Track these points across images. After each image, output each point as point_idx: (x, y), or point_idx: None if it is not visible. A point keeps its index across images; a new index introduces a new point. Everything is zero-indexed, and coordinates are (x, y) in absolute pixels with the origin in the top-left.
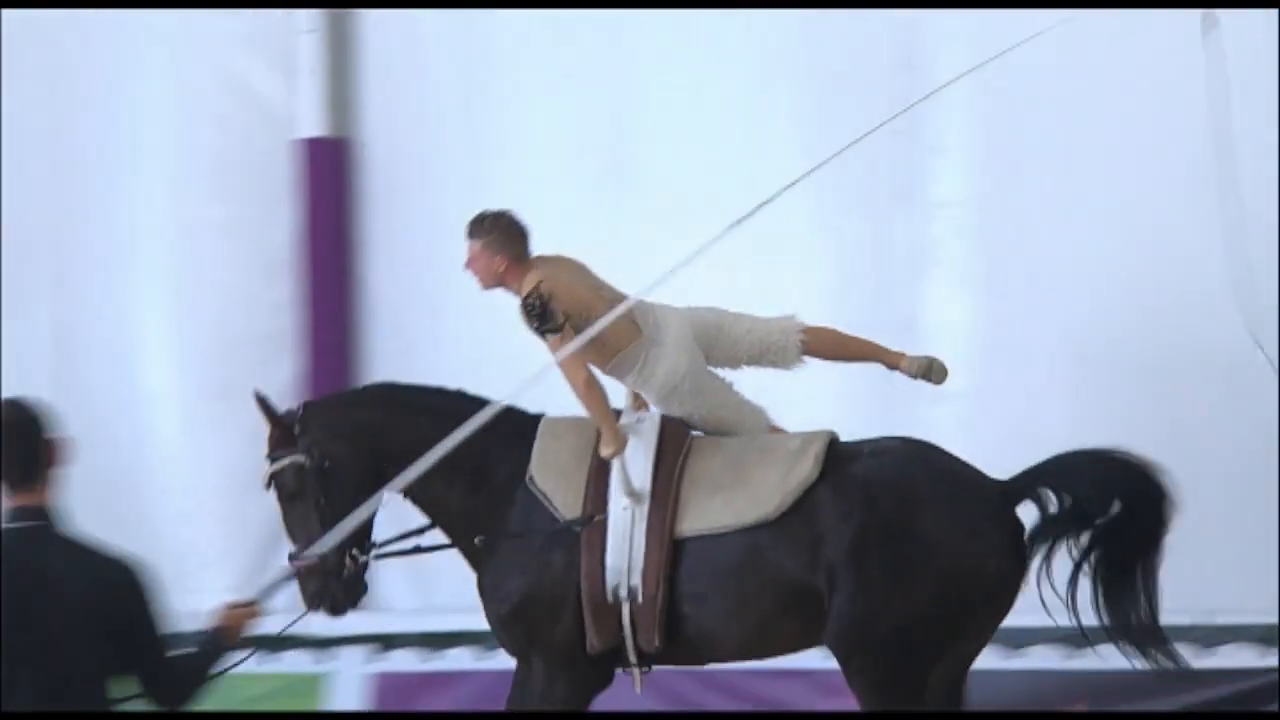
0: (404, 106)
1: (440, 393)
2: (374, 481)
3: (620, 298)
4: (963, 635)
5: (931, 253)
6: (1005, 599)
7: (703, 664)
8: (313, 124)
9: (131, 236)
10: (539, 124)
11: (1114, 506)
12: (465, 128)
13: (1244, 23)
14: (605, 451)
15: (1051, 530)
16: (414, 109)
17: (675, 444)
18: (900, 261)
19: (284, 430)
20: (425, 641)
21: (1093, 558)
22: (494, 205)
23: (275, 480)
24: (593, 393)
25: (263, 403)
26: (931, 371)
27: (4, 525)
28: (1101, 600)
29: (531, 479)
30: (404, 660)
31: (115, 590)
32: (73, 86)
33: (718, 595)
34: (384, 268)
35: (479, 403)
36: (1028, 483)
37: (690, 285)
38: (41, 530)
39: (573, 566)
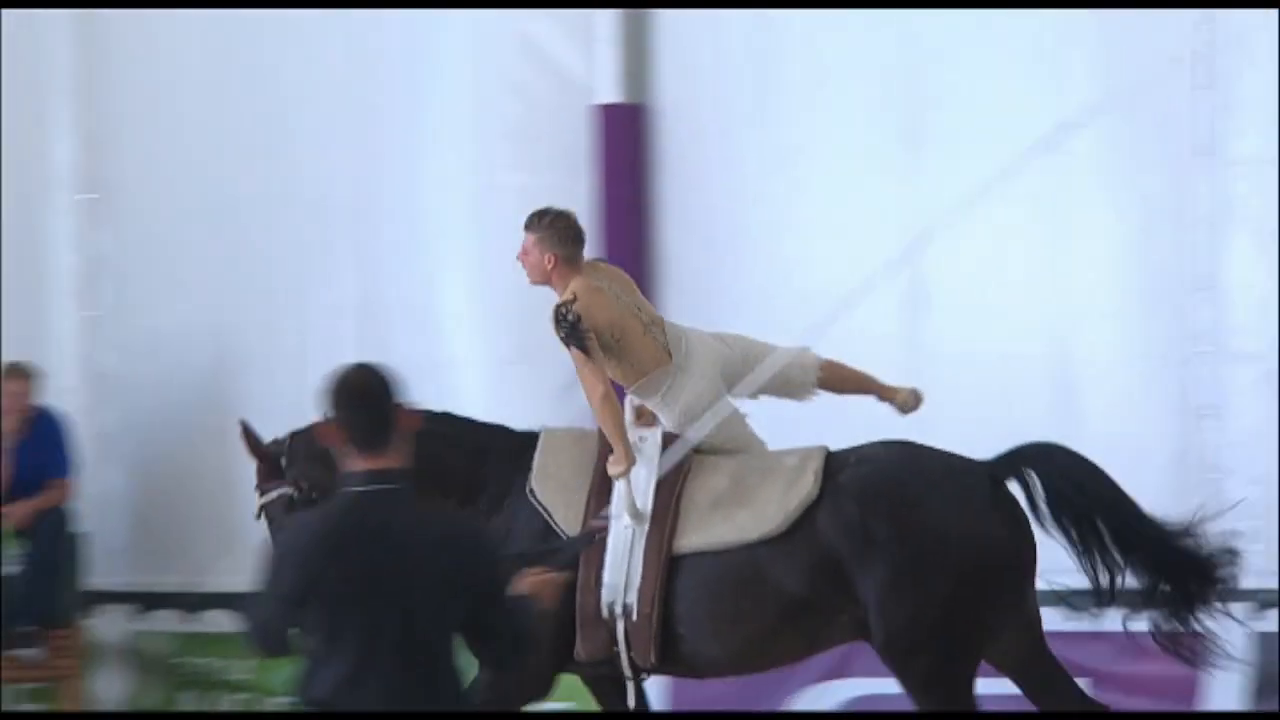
0: (700, 72)
1: (425, 415)
2: None
3: (656, 319)
4: (999, 611)
5: (1232, 210)
6: (1024, 567)
7: (699, 677)
8: (610, 90)
9: (433, 205)
10: (834, 90)
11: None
12: (760, 94)
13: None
14: (614, 470)
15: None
16: (710, 74)
17: (676, 464)
18: (1200, 219)
19: (270, 463)
20: None
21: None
22: (789, 174)
23: (266, 512)
24: (609, 408)
25: (247, 435)
26: (916, 402)
27: (356, 488)
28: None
29: (531, 491)
30: None
31: (466, 551)
32: (374, 58)
33: (715, 611)
34: (680, 233)
35: (462, 420)
36: (1011, 463)
37: (991, 242)
38: (394, 493)
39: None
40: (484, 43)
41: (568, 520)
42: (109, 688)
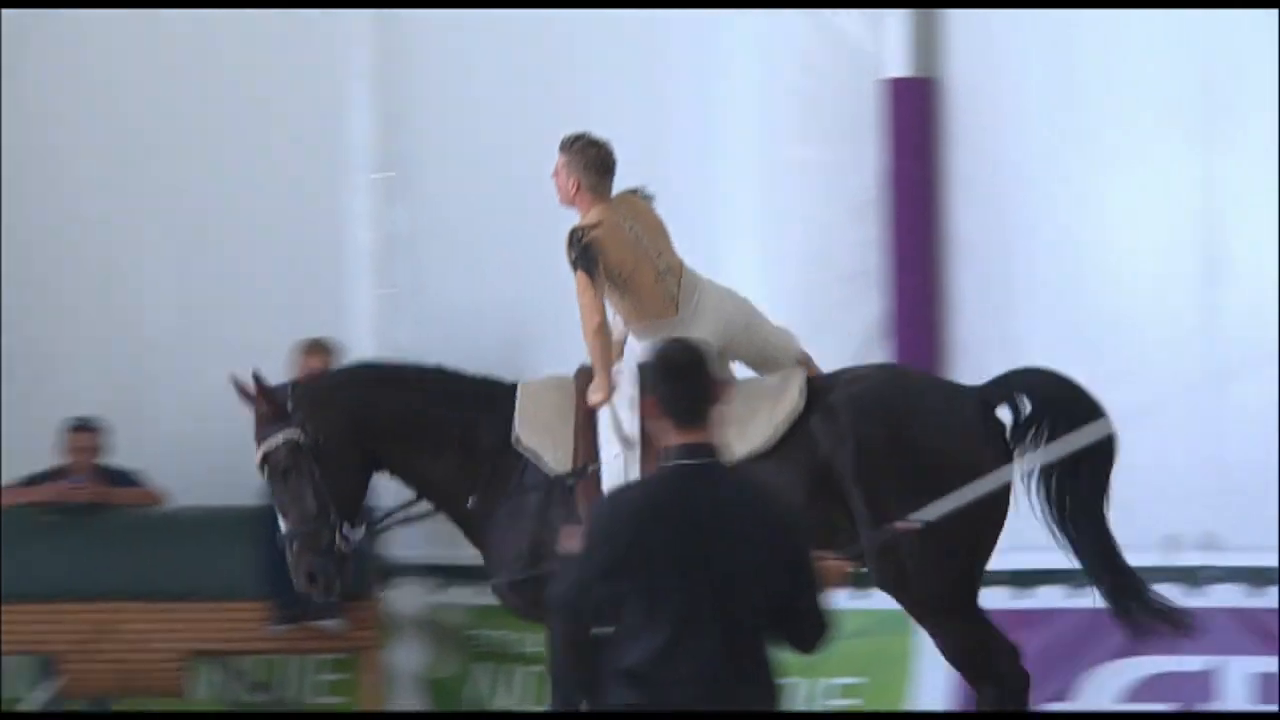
0: (992, 46)
1: (420, 369)
2: (363, 458)
3: (675, 267)
4: (986, 531)
5: None
6: (1006, 493)
7: None
8: (899, 64)
9: (722, 179)
10: (1132, 69)
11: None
12: (1056, 71)
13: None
14: (594, 398)
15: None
16: (1003, 49)
17: None
18: None
19: (276, 407)
20: (1014, 579)
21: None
22: (1085, 154)
23: (268, 458)
24: (600, 339)
25: (256, 379)
26: None
27: (676, 461)
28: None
29: (518, 439)
30: (993, 598)
31: (783, 527)
32: (664, 36)
33: None
34: (970, 211)
35: (458, 376)
36: (1002, 388)
37: None
38: (712, 466)
39: (571, 520)
40: (773, 16)
41: (558, 460)
42: (407, 659)
